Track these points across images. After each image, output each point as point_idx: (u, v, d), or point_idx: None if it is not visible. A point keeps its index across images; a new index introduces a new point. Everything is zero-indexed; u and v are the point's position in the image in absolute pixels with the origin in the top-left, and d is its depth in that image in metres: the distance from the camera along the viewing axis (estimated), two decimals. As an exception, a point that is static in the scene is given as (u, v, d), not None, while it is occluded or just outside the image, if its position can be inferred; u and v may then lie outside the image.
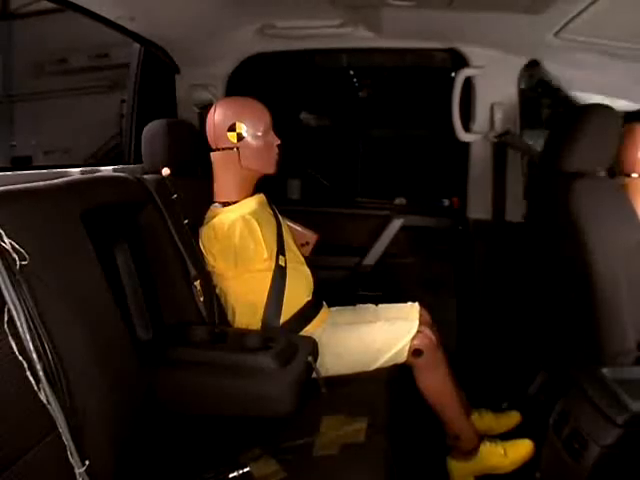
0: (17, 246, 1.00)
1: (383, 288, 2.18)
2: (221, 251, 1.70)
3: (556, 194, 1.69)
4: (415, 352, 1.73)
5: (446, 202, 2.94)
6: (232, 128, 1.77)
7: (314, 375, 1.51)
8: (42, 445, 1.00)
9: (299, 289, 1.83)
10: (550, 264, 1.87)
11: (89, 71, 3.50)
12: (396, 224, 2.52)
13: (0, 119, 3.63)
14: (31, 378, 0.97)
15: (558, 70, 1.94)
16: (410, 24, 1.93)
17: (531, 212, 2.01)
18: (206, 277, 1.74)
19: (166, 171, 1.77)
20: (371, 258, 2.52)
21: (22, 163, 3.58)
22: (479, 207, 2.33)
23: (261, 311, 1.73)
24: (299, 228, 2.12)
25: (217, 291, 1.78)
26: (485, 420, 2.00)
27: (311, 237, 2.15)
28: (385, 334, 1.75)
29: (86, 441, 1.05)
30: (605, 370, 1.38)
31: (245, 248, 1.69)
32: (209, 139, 1.83)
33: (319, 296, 1.91)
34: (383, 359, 1.73)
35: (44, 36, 3.45)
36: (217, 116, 1.80)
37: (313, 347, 1.57)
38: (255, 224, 1.73)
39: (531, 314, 2.06)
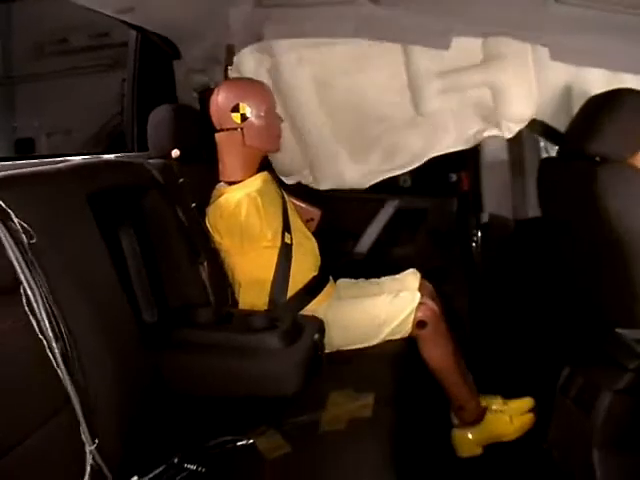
0: (25, 225, 1.02)
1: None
2: (227, 229, 1.72)
3: (579, 180, 1.62)
4: (419, 324, 1.75)
5: (453, 177, 2.74)
6: (236, 109, 1.80)
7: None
8: (55, 420, 1.03)
9: (305, 264, 1.85)
10: (569, 251, 1.81)
11: (89, 50, 3.48)
12: (390, 207, 2.40)
13: (1, 101, 3.62)
14: (50, 355, 1.00)
15: (559, 45, 1.91)
16: None
17: (545, 198, 1.92)
18: (212, 260, 1.75)
19: (176, 152, 1.76)
20: (363, 245, 2.42)
21: (25, 145, 3.59)
22: (496, 201, 2.19)
23: (268, 287, 1.76)
24: (303, 205, 2.12)
25: (224, 267, 1.80)
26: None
27: (315, 213, 2.15)
28: (389, 307, 1.78)
29: (95, 421, 1.07)
30: (621, 330, 1.35)
31: (251, 226, 1.70)
32: (213, 120, 1.85)
33: (325, 271, 1.94)
34: (388, 331, 1.76)
35: (43, 17, 3.43)
36: (220, 98, 1.82)
37: (319, 326, 1.58)
38: (260, 202, 1.73)
39: (548, 306, 1.99)
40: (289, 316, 1.56)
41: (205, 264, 1.68)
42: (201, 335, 1.47)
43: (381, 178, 2.25)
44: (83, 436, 1.04)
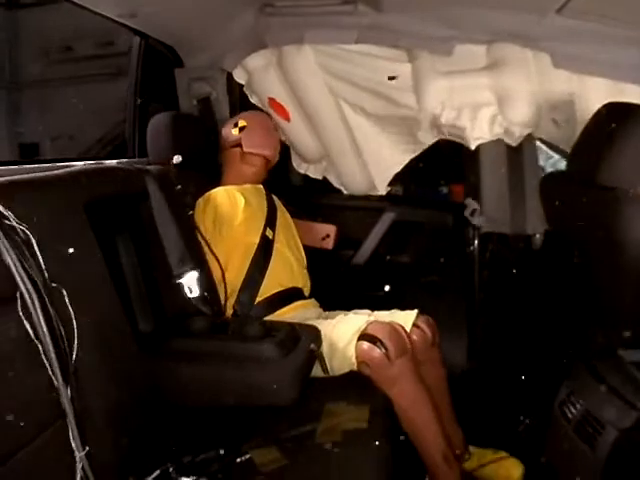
0: (24, 228, 1.01)
1: (384, 289, 2.07)
2: (205, 218, 1.83)
3: (589, 206, 1.54)
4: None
5: (444, 190, 2.80)
6: (235, 125, 2.03)
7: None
8: (51, 429, 1.03)
9: (283, 272, 1.87)
10: (577, 266, 1.69)
11: (94, 59, 3.52)
12: (387, 219, 2.35)
13: (7, 107, 3.65)
14: (47, 363, 0.99)
15: (560, 53, 1.90)
16: (410, 5, 1.89)
17: (551, 214, 1.87)
18: (207, 267, 1.75)
19: (177, 158, 1.80)
20: (361, 256, 2.35)
21: (29, 150, 3.60)
22: (494, 213, 2.14)
23: (239, 284, 1.79)
24: (317, 224, 2.20)
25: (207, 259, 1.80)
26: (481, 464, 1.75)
27: (330, 229, 2.21)
28: (330, 330, 1.61)
29: (89, 429, 1.07)
30: (622, 352, 1.34)
31: (224, 212, 1.83)
32: (221, 145, 2.07)
33: (304, 290, 1.93)
34: (335, 360, 1.58)
35: (50, 25, 3.47)
36: (224, 128, 2.08)
37: (316, 336, 1.57)
38: (235, 193, 1.88)
39: (547, 321, 1.90)
40: (285, 325, 1.55)
41: (199, 271, 1.67)
42: (197, 344, 1.46)
43: (385, 179, 2.28)
44: (73, 443, 1.02)
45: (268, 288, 1.81)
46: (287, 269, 1.89)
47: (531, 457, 1.59)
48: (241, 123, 2.02)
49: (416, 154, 2.19)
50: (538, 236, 2.05)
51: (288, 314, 1.80)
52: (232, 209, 1.84)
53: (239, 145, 1.99)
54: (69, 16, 3.11)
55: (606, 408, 1.24)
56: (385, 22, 1.98)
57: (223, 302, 1.78)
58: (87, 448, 1.03)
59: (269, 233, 1.88)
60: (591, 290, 1.62)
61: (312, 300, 1.93)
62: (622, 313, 1.51)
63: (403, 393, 1.54)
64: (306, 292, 1.93)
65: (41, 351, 0.99)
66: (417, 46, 2.02)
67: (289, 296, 1.85)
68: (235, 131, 2.01)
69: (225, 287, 1.79)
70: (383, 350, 1.50)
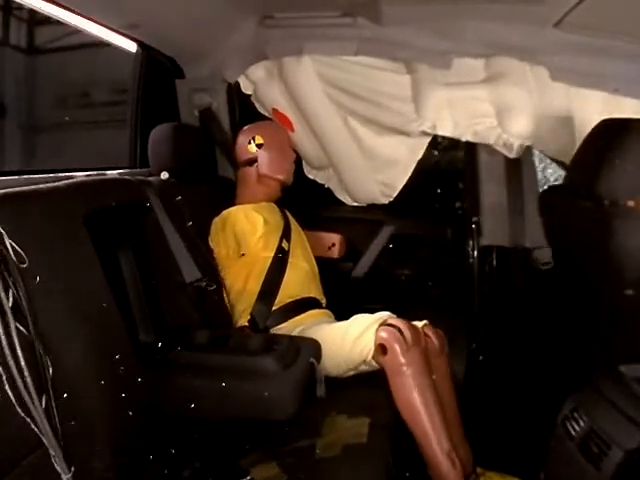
0: (18, 248, 0.99)
1: (384, 302, 2.06)
2: (224, 238, 1.87)
3: (587, 220, 1.55)
4: (382, 348, 1.56)
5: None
6: (252, 139, 2.02)
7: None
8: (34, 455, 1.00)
9: (297, 281, 1.90)
10: (575, 282, 1.72)
11: (109, 105, 3.62)
12: (386, 232, 2.36)
13: (23, 148, 3.71)
14: (22, 387, 0.94)
15: (558, 66, 1.91)
16: (410, 18, 1.91)
17: (550, 228, 1.88)
18: (209, 280, 1.75)
19: (164, 175, 1.82)
20: (360, 269, 2.35)
21: None
22: (494, 231, 2.15)
23: (256, 293, 1.82)
24: (322, 234, 2.22)
25: (221, 277, 1.86)
26: None
27: (336, 238, 2.23)
28: (351, 322, 1.67)
29: (86, 444, 1.06)
30: (623, 368, 1.31)
31: (242, 229, 1.86)
32: (237, 159, 2.06)
33: (319, 300, 1.95)
34: (347, 348, 1.60)
35: (67, 71, 3.57)
36: (240, 136, 2.07)
37: (316, 349, 1.57)
38: (254, 213, 1.90)
39: (547, 337, 1.90)
40: (286, 338, 1.55)
41: (202, 285, 1.68)
42: (197, 357, 1.46)
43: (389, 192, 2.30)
44: (57, 466, 0.98)
45: (284, 297, 1.85)
46: (302, 279, 1.93)
47: (530, 475, 1.58)
48: (258, 140, 2.01)
49: (423, 148, 2.22)
50: (537, 250, 2.05)
51: (302, 321, 1.82)
52: (251, 227, 1.87)
53: (254, 162, 2.00)
54: (87, 62, 3.21)
55: (611, 427, 1.21)
56: (384, 35, 2.00)
57: (240, 312, 1.82)
58: (72, 469, 1.00)
59: (285, 245, 1.92)
60: (592, 303, 1.62)
61: (327, 311, 1.95)
62: (623, 327, 1.51)
63: (410, 381, 1.54)
64: (322, 303, 1.96)
65: (17, 378, 0.93)
66: (416, 59, 2.04)
67: (304, 305, 1.88)
68: (252, 148, 2.01)
69: (229, 298, 1.83)
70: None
